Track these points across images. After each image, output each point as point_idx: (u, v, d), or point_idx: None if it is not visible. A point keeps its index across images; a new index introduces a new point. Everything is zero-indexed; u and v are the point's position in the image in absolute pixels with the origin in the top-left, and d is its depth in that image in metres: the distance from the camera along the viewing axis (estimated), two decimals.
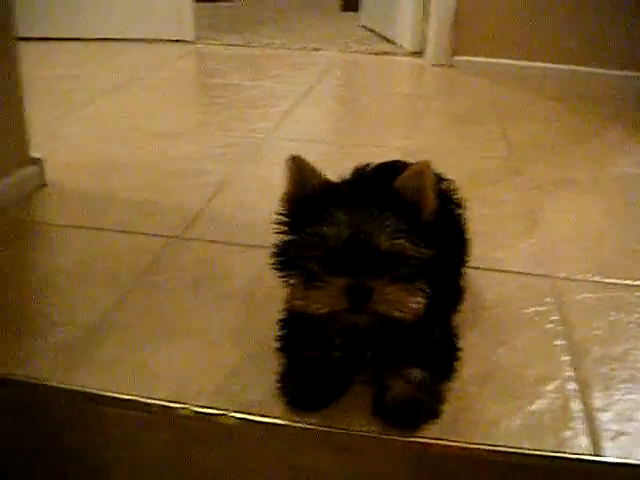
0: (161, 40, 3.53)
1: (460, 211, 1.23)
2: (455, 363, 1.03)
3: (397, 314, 0.88)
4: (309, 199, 0.92)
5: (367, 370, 0.99)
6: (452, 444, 0.92)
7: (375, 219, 0.88)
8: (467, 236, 1.23)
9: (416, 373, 0.95)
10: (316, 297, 0.88)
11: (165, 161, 1.88)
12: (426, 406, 0.95)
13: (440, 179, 1.22)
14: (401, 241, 0.88)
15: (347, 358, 0.98)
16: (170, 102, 2.58)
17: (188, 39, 3.55)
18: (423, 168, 0.92)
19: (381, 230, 0.88)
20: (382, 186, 0.93)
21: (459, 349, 1.05)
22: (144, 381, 1.02)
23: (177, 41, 3.53)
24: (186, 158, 1.90)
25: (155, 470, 1.04)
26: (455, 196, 1.24)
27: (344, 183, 1.00)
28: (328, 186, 0.94)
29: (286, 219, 0.95)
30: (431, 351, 0.98)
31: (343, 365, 0.99)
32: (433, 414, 0.95)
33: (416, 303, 0.90)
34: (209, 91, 2.79)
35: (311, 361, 0.99)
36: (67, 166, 1.81)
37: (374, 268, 0.88)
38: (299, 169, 0.92)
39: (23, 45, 1.63)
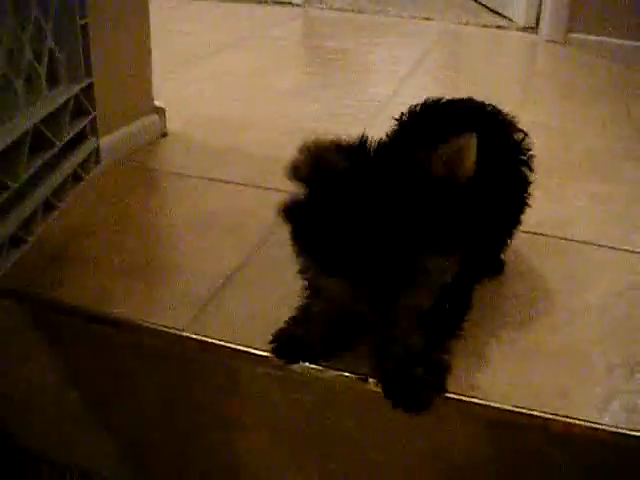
0: (269, 2, 3.51)
1: (526, 171, 1.13)
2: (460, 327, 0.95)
3: None
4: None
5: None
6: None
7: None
8: (526, 200, 1.14)
9: (416, 341, 0.89)
10: None
11: (285, 119, 1.85)
12: (430, 384, 0.89)
13: (513, 128, 1.14)
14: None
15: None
16: (286, 62, 2.56)
17: (297, 2, 3.51)
18: (465, 144, 0.80)
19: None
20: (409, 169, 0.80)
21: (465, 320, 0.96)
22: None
23: (285, 3, 3.51)
24: (306, 117, 1.87)
25: (291, 430, 1.02)
26: (525, 153, 1.13)
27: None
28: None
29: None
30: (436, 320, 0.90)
31: (346, 322, 0.94)
32: (439, 389, 0.89)
33: None
34: (323, 54, 2.75)
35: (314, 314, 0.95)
36: (187, 118, 1.80)
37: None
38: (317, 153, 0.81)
39: None
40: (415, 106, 1.09)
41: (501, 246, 1.14)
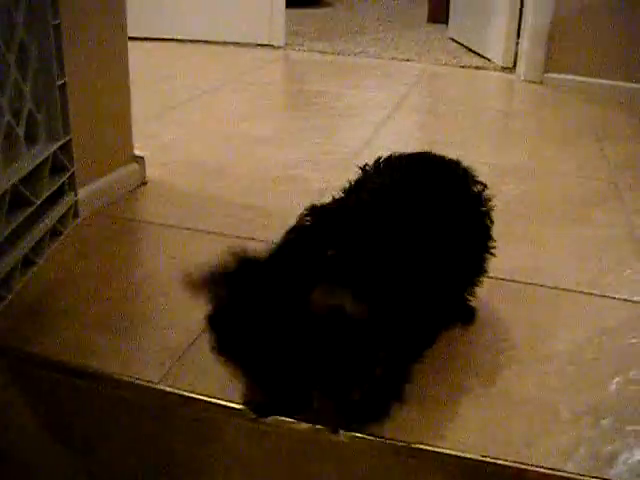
0: (250, 44, 3.57)
1: (486, 222, 1.14)
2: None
3: None
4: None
5: None
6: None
7: None
8: (488, 250, 1.14)
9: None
10: None
11: (263, 166, 1.88)
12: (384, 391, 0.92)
13: (472, 181, 1.15)
14: None
15: None
16: (264, 106, 2.60)
17: (278, 44, 3.57)
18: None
19: None
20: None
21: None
22: None
23: (266, 46, 3.57)
24: (286, 164, 1.90)
25: None
26: (485, 204, 1.15)
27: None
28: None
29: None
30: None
31: None
32: (396, 396, 0.93)
33: None
34: (304, 97, 2.79)
35: None
36: (167, 164, 1.83)
37: None
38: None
39: None
40: (379, 159, 1.13)
41: (463, 293, 1.16)
